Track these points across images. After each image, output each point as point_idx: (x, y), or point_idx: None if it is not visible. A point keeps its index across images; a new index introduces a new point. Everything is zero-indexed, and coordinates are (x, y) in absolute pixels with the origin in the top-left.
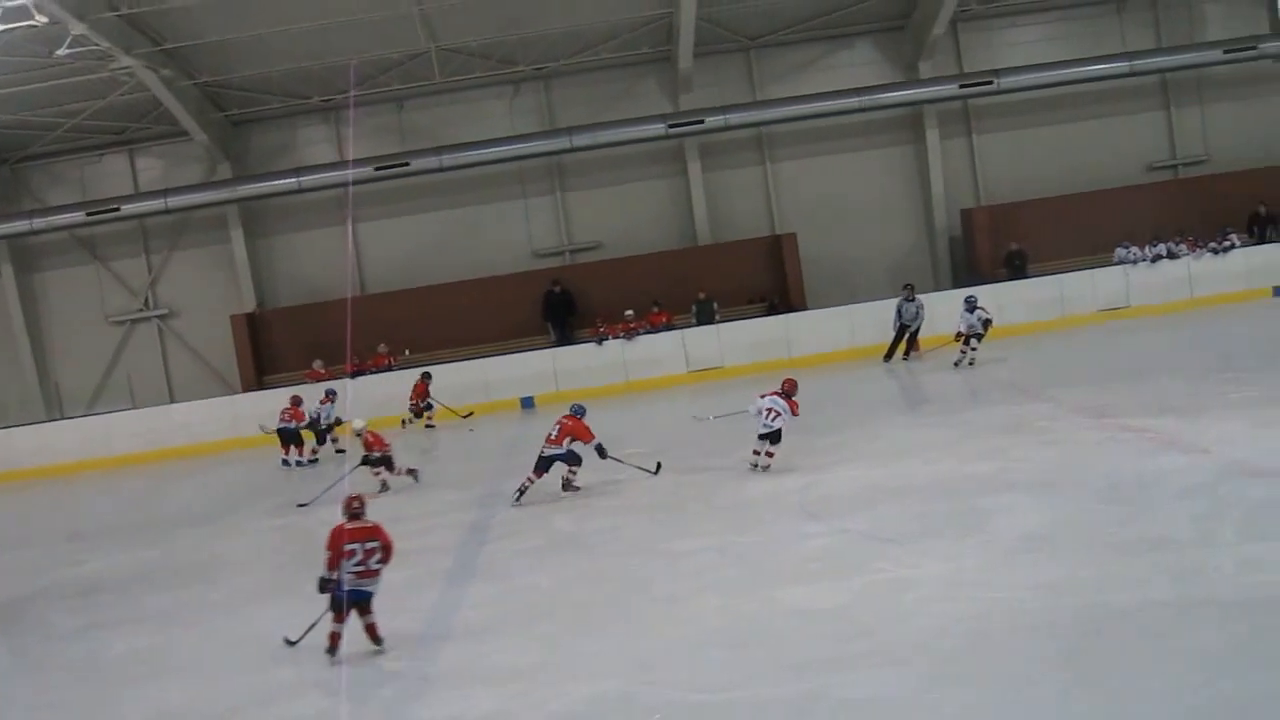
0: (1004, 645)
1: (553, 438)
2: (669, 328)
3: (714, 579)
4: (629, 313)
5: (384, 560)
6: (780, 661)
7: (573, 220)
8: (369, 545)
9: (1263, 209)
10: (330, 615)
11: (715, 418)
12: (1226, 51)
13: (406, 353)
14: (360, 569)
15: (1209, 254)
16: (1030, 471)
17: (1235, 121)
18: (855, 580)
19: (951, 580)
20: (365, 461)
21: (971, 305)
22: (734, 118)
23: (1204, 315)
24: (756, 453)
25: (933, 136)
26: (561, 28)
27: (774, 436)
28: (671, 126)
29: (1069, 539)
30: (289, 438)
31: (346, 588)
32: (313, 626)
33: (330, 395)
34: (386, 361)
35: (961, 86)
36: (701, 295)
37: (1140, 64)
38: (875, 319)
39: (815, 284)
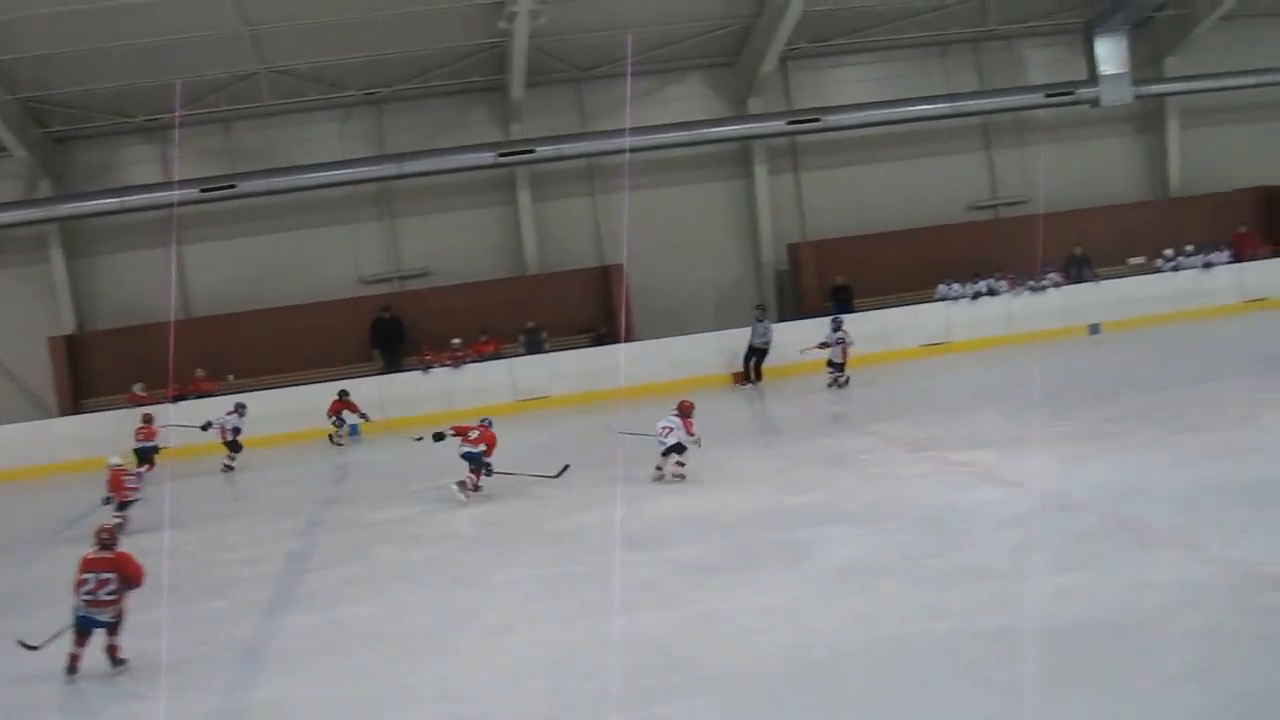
0: (823, 675)
1: (471, 439)
2: (497, 356)
3: (538, 609)
4: (456, 341)
5: (117, 592)
6: (602, 693)
7: (402, 247)
8: (102, 576)
9: (1079, 250)
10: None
11: (625, 434)
12: (1046, 96)
13: (230, 378)
14: (90, 598)
15: (1027, 292)
16: (852, 503)
17: (1053, 164)
18: (678, 610)
19: (773, 610)
20: (106, 501)
21: (837, 325)
22: (565, 148)
23: (1022, 351)
24: (659, 468)
25: (761, 172)
26: (394, 53)
27: (676, 449)
28: (502, 155)
29: (888, 570)
30: (144, 456)
31: (79, 614)
32: (56, 636)
33: (239, 408)
34: (206, 387)
35: (789, 123)
36: (530, 324)
37: (963, 105)
38: (703, 350)
39: (644, 315)
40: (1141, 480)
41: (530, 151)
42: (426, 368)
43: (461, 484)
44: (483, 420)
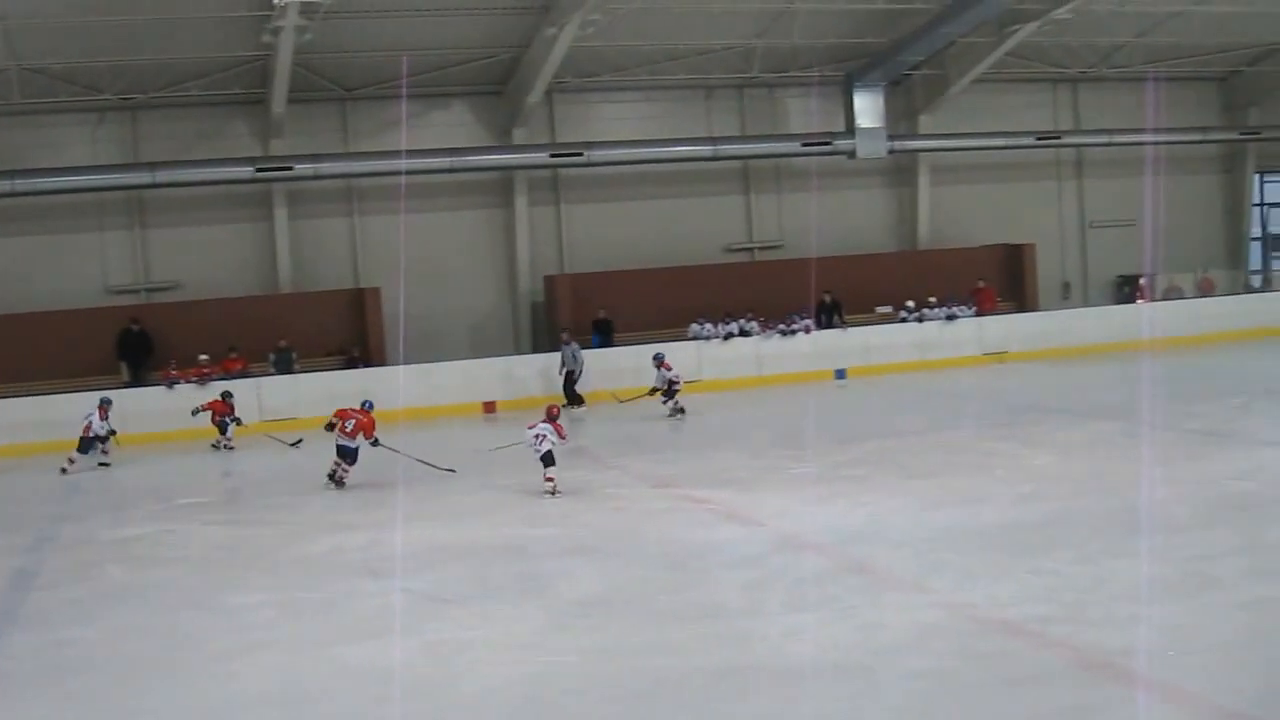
0: (556, 708)
1: (348, 430)
2: (245, 374)
3: (271, 635)
4: (203, 357)
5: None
6: None
7: (152, 258)
8: None
9: (828, 296)
10: None
11: (495, 450)
12: (804, 145)
13: None
14: None
15: (778, 335)
16: (593, 537)
17: (809, 211)
18: (413, 640)
19: (508, 642)
20: None
21: (658, 362)
22: (324, 167)
23: (770, 393)
24: (549, 480)
25: (521, 202)
26: (153, 59)
27: (546, 459)
28: (260, 170)
29: (625, 604)
30: None
31: None
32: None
33: (104, 405)
34: None
35: (553, 156)
36: (281, 343)
37: (724, 149)
38: (454, 378)
39: (397, 339)
40: (877, 524)
41: (289, 169)
42: (171, 383)
43: (332, 476)
44: (364, 403)
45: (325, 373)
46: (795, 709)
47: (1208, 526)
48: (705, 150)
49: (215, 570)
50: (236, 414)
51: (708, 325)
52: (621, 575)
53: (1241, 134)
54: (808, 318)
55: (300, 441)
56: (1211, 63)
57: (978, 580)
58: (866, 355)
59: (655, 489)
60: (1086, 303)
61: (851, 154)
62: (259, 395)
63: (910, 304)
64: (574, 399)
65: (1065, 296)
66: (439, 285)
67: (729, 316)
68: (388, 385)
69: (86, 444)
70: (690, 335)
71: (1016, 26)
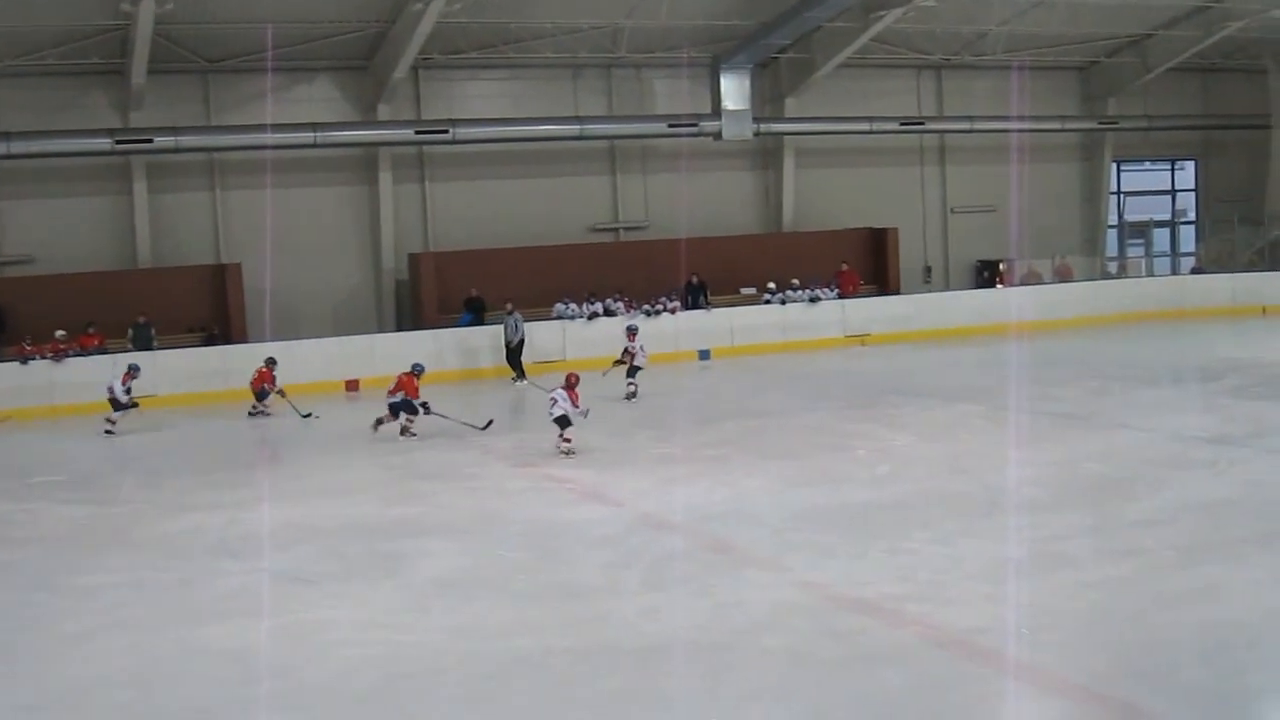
0: (413, 688)
1: (391, 389)
2: (102, 351)
3: (124, 616)
4: (60, 333)
5: None
6: (186, 703)
7: (5, 230)
8: None
9: (695, 278)
10: None
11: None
12: (670, 125)
13: None
14: None
15: (644, 315)
16: (452, 517)
17: (675, 192)
18: (269, 621)
19: (365, 622)
20: None
21: (630, 334)
22: (185, 140)
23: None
24: (564, 439)
25: (386, 179)
26: (8, 26)
27: (560, 422)
28: (119, 143)
29: (483, 584)
30: None
31: None
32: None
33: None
34: None
35: (418, 133)
36: (140, 319)
37: (590, 129)
38: (315, 355)
39: (258, 316)
40: (737, 503)
41: (149, 141)
42: (25, 359)
43: (378, 420)
44: (414, 367)
45: (184, 349)
46: (653, 687)
47: (1062, 507)
48: (572, 129)
49: (69, 550)
50: (278, 385)
51: (572, 305)
52: (480, 555)
53: (1100, 123)
54: (674, 298)
55: (311, 415)
56: (1071, 53)
57: (835, 559)
58: (731, 336)
59: (516, 469)
60: (948, 286)
61: (717, 136)
62: (116, 371)
63: (772, 285)
64: (517, 370)
65: (927, 280)
66: (302, 262)
67: (594, 296)
68: (248, 363)
69: (117, 405)
70: (555, 315)
71: (882, 12)
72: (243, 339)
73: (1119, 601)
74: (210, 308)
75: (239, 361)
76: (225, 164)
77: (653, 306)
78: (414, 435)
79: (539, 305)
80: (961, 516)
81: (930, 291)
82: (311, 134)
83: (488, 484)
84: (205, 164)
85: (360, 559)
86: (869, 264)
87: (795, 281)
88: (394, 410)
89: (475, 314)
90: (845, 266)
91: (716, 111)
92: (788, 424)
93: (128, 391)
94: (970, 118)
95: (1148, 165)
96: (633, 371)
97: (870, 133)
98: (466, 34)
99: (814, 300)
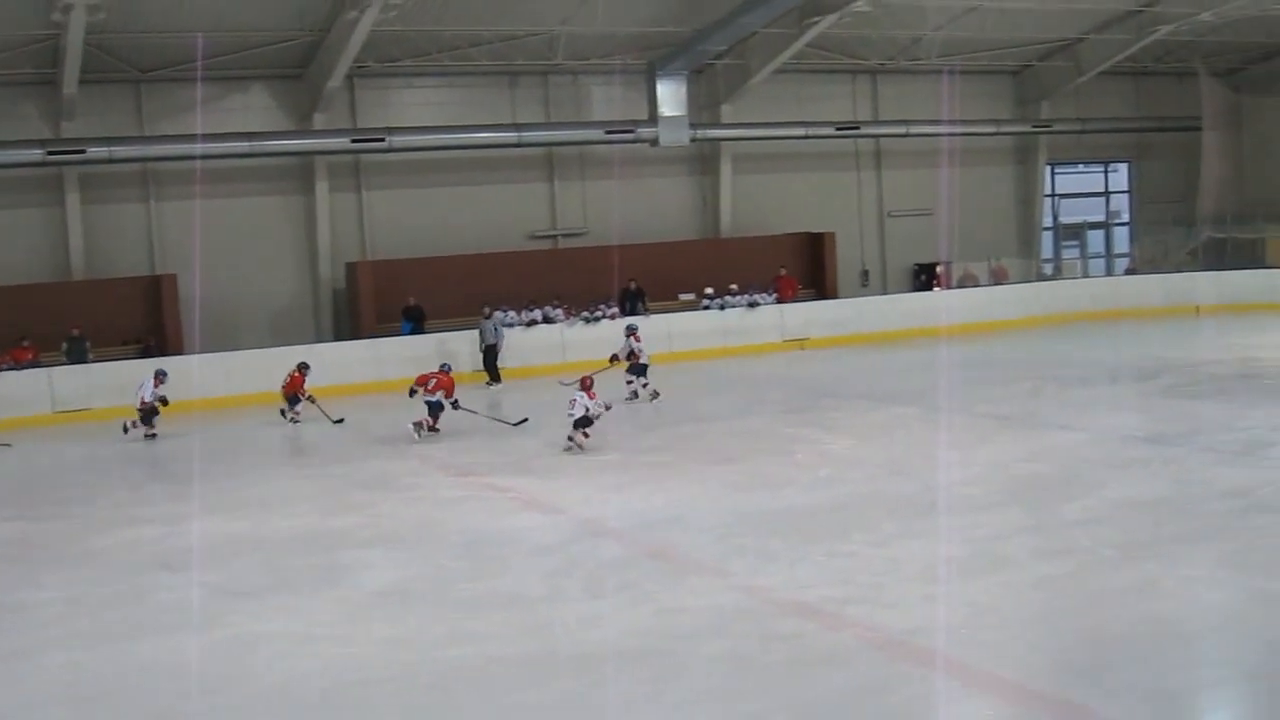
0: (355, 700)
1: (430, 387)
2: (36, 364)
3: (61, 632)
4: None
5: None
6: (124, 719)
7: None
8: None
9: (633, 284)
10: None
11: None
12: (607, 132)
13: None
14: None
15: (582, 322)
16: (391, 527)
17: (613, 199)
18: (207, 635)
19: (304, 635)
20: None
21: (630, 333)
22: (118, 150)
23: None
24: (570, 439)
25: (322, 188)
26: None
27: (580, 422)
28: (51, 153)
29: (423, 594)
30: None
31: None
32: None
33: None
34: None
35: (354, 141)
36: (74, 332)
37: (528, 136)
38: (253, 366)
39: (194, 328)
40: (677, 509)
41: (81, 152)
42: None
43: (417, 424)
44: (443, 366)
45: (120, 362)
46: (596, 695)
47: (999, 508)
48: (509, 137)
49: (0, 567)
50: (307, 390)
51: (511, 312)
52: (420, 565)
53: (1034, 127)
54: (612, 305)
55: (342, 420)
56: (1005, 57)
57: (776, 563)
58: (669, 342)
59: (455, 478)
60: (885, 290)
61: (654, 142)
62: (51, 385)
63: (710, 291)
64: (493, 375)
65: (864, 284)
66: (238, 272)
67: (532, 304)
68: (182, 374)
69: (152, 412)
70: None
71: (817, 18)
72: (179, 350)
73: (1057, 600)
74: (146, 319)
75: (175, 373)
76: (159, 174)
77: (591, 313)
78: (437, 431)
79: (478, 314)
80: (900, 518)
81: (868, 295)
82: (246, 143)
83: (427, 493)
84: (139, 174)
85: (298, 571)
86: (807, 268)
87: (733, 286)
88: (432, 410)
89: (415, 323)
90: (783, 271)
91: (653, 118)
92: (727, 429)
93: (161, 399)
94: (906, 122)
95: (1081, 168)
96: (641, 370)
97: (806, 138)
98: (402, 42)
99: (752, 305)
